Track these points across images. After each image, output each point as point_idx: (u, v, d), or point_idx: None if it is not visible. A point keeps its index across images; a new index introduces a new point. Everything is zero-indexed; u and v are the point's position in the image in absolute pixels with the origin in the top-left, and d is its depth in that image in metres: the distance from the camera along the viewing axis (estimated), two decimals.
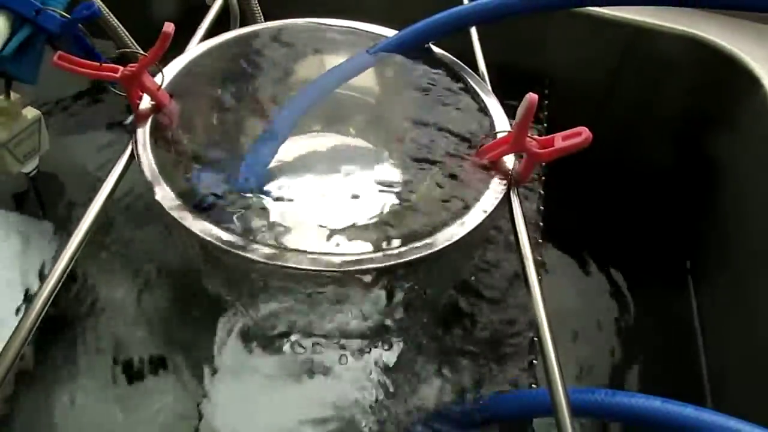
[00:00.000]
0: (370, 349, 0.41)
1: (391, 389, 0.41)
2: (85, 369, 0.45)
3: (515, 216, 0.36)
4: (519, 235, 0.35)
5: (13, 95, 0.45)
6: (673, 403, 0.31)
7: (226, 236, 0.33)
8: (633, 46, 0.61)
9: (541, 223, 0.49)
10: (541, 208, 0.50)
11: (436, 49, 0.46)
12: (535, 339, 0.42)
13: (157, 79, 0.40)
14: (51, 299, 0.30)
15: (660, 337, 0.59)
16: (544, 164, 0.52)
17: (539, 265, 0.46)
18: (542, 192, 0.51)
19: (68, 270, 0.31)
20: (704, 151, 0.62)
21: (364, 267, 0.33)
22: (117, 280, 0.47)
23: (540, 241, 0.48)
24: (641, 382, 0.56)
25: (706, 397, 0.54)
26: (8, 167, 0.47)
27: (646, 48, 0.60)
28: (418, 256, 0.33)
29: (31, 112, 0.47)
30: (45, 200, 0.52)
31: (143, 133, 0.38)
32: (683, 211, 0.64)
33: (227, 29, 0.50)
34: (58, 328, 0.46)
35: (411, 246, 0.33)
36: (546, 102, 0.60)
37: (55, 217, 0.51)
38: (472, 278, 0.46)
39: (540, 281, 0.40)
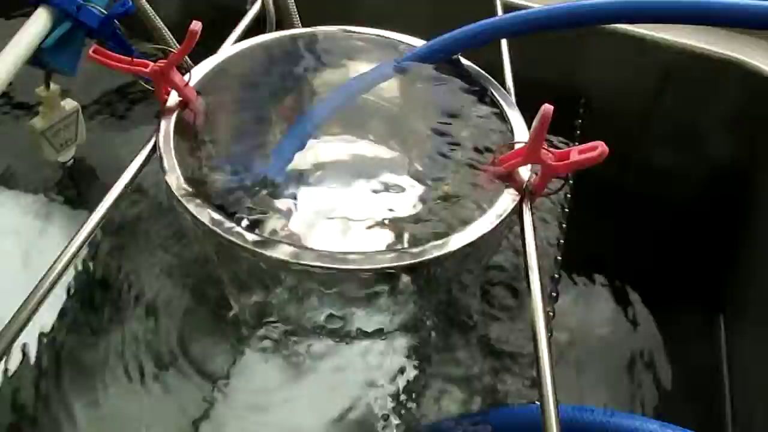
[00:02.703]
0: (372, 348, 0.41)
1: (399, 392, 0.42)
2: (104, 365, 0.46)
3: (525, 227, 0.36)
4: (527, 247, 0.35)
5: (53, 86, 0.47)
6: (672, 428, 0.30)
7: (240, 232, 0.34)
8: (673, 70, 0.59)
9: (562, 241, 0.48)
10: (564, 225, 0.49)
11: (463, 61, 0.47)
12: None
13: (186, 76, 0.41)
14: (58, 281, 0.31)
15: (684, 372, 0.57)
16: (570, 181, 0.52)
17: (554, 282, 0.46)
18: (566, 209, 0.50)
19: (77, 255, 0.33)
20: (745, 181, 0.60)
21: (361, 267, 0.33)
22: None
23: (559, 258, 0.47)
24: (660, 414, 0.54)
25: None
26: (45, 155, 0.49)
27: (688, 72, 0.59)
28: (418, 260, 0.33)
29: (69, 104, 0.49)
30: (79, 190, 0.54)
31: (166, 127, 0.39)
32: (719, 245, 0.62)
33: (264, 33, 0.51)
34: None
35: (413, 251, 0.33)
36: (580, 122, 0.60)
37: (88, 207, 0.53)
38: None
39: (555, 297, 0.40)
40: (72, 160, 0.52)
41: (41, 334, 0.46)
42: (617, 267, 0.61)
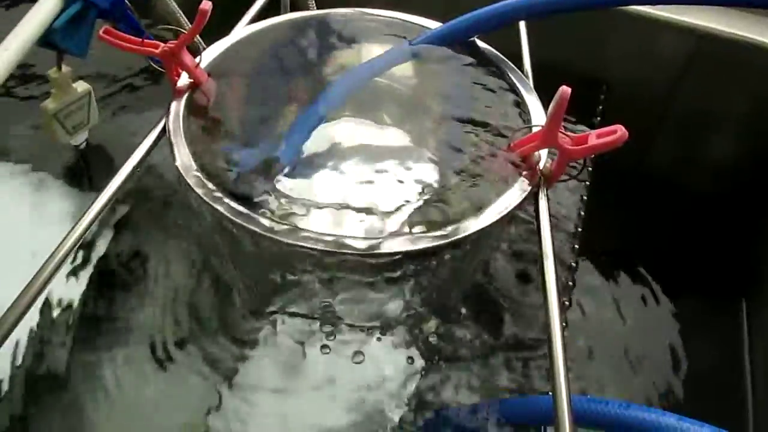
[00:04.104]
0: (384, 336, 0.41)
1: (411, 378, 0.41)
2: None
3: (540, 214, 0.35)
4: (542, 234, 0.34)
5: (64, 68, 0.46)
6: (689, 422, 0.29)
7: (250, 215, 0.33)
8: (698, 54, 0.58)
9: (580, 229, 0.47)
10: (582, 213, 0.48)
11: (480, 44, 0.45)
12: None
13: (198, 58, 0.41)
14: (65, 259, 0.31)
15: (705, 361, 0.55)
16: (590, 168, 0.50)
17: (571, 271, 0.45)
18: (585, 197, 0.49)
19: (85, 234, 0.32)
20: None
21: (377, 252, 0.32)
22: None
23: (576, 247, 0.46)
24: (682, 407, 0.53)
25: (748, 424, 0.50)
26: (57, 137, 0.48)
27: (713, 56, 0.57)
28: (432, 245, 0.32)
29: (81, 86, 0.48)
30: (92, 173, 0.54)
31: (177, 108, 0.39)
32: (741, 233, 0.61)
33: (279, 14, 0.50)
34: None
35: (428, 235, 0.33)
36: (600, 108, 0.58)
37: (100, 190, 0.52)
38: None
39: (572, 286, 0.39)
40: (85, 143, 0.51)
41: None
42: (637, 254, 0.60)
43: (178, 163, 0.36)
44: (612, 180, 0.53)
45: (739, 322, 0.57)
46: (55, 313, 0.46)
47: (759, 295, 0.57)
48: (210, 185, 0.35)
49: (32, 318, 0.46)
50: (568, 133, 0.35)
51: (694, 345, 0.55)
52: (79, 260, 0.48)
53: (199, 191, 0.34)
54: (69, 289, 0.47)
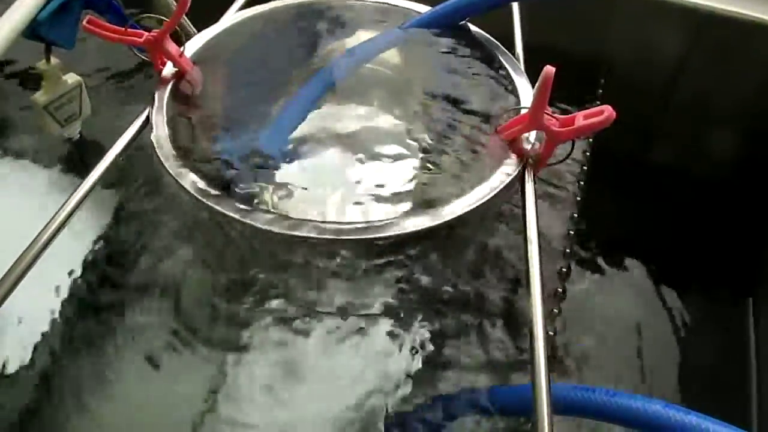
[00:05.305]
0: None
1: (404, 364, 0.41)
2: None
3: (527, 198, 0.34)
4: (527, 218, 0.33)
5: (54, 60, 0.46)
6: (676, 409, 0.28)
7: (232, 203, 0.33)
8: (702, 35, 0.56)
9: (576, 215, 0.46)
10: (578, 199, 0.47)
11: (471, 27, 0.45)
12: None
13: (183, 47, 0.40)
14: (47, 246, 0.31)
15: (710, 357, 0.54)
16: (587, 153, 0.49)
17: (567, 257, 0.44)
18: (581, 182, 0.48)
19: (67, 221, 0.32)
20: None
21: (357, 237, 0.32)
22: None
23: (571, 232, 0.45)
24: (684, 398, 0.52)
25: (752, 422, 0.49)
26: (49, 129, 0.48)
27: (717, 37, 0.56)
28: (417, 229, 0.32)
29: (72, 78, 0.48)
30: (88, 165, 0.53)
31: (160, 97, 0.39)
32: (747, 221, 0.59)
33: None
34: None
35: (411, 220, 0.32)
36: (600, 91, 0.57)
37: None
38: None
39: (567, 273, 0.38)
40: (79, 136, 0.51)
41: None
42: (638, 246, 0.58)
43: (158, 150, 0.35)
44: (612, 166, 0.52)
45: (745, 316, 0.55)
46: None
47: (766, 289, 0.55)
48: (189, 172, 0.34)
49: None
50: (555, 115, 0.34)
51: (698, 340, 0.54)
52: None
53: (179, 179, 0.34)
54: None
